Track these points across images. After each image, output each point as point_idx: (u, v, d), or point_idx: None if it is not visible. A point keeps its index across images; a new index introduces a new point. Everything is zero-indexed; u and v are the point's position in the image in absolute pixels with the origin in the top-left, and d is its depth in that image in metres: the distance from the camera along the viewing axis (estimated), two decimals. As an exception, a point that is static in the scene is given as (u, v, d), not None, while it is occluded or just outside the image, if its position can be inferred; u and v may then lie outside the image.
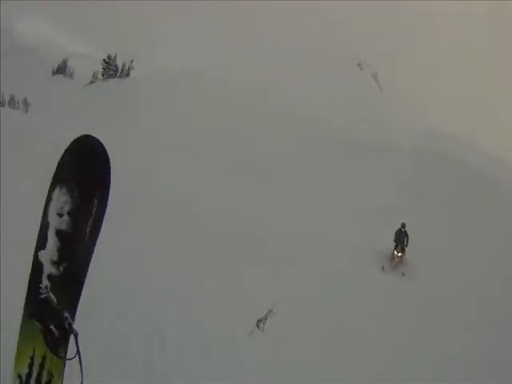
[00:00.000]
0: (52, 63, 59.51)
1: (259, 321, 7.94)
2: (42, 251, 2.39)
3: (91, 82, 42.61)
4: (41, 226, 2.42)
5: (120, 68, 43.57)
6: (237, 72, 36.10)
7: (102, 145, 2.42)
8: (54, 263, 2.38)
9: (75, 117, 25.63)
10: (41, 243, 2.41)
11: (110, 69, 43.62)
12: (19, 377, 2.52)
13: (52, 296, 2.37)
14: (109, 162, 2.42)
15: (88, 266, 2.48)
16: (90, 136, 2.45)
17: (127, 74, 42.20)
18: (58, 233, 2.36)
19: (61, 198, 2.35)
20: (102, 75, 43.03)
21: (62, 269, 2.39)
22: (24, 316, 2.54)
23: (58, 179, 2.38)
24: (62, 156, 2.44)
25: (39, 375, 2.46)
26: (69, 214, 2.33)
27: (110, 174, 2.39)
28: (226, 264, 11.02)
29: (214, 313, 8.21)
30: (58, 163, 2.43)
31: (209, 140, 22.07)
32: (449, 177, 22.21)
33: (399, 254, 15.80)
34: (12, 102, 32.94)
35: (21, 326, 2.55)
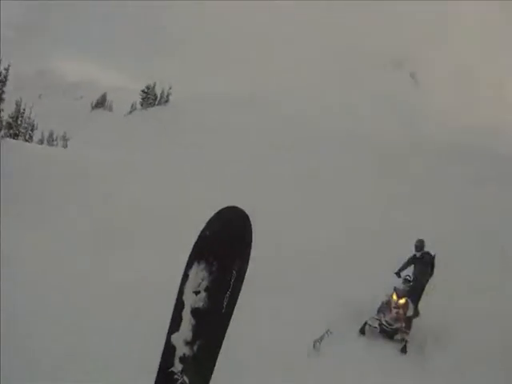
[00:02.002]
0: (91, 99, 60.44)
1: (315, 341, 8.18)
2: (176, 333, 2.22)
3: (130, 112, 42.04)
4: (175, 308, 2.24)
5: (159, 95, 42.94)
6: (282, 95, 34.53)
7: (245, 216, 2.25)
8: (187, 343, 2.23)
9: (115, 146, 24.49)
10: (174, 325, 2.23)
11: (149, 98, 43.06)
12: None
13: (185, 379, 2.22)
14: (251, 233, 2.26)
15: (223, 340, 2.30)
16: (232, 207, 2.28)
17: (166, 101, 41.43)
18: (194, 311, 2.22)
19: (198, 275, 2.21)
20: (141, 105, 42.45)
21: (195, 348, 2.25)
22: None
23: (196, 256, 2.22)
24: (203, 230, 2.22)
25: None
26: (206, 289, 2.21)
27: (251, 244, 2.25)
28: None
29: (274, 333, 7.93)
30: (198, 238, 2.22)
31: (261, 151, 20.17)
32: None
33: (401, 302, 9.19)
34: (50, 140, 32.40)
35: None
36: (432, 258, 9.92)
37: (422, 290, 9.79)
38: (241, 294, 2.26)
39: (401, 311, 9.35)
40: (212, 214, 2.23)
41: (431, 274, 9.85)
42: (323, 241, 12.24)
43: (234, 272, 2.26)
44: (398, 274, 9.92)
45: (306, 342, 7.76)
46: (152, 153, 20.87)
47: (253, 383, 6.39)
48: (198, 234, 2.23)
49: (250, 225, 2.30)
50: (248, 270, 2.24)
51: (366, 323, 9.25)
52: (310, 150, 20.69)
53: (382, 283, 9.56)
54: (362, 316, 9.07)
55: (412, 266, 10.18)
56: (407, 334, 9.16)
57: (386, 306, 9.41)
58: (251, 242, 2.29)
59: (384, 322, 9.19)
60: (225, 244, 2.24)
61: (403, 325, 9.27)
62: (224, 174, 17.27)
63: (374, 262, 11.19)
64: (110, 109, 52.55)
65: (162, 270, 7.63)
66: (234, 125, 25.42)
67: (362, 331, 9.21)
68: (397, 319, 9.22)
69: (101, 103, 58.20)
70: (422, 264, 9.86)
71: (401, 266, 10.06)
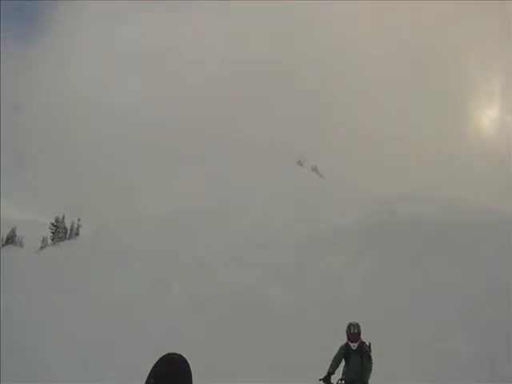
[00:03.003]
0: (1, 235, 59.31)
1: None
2: None
3: (41, 248, 42.41)
4: None
5: (69, 229, 43.92)
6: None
7: (185, 361, 2.59)
8: None
9: (27, 286, 25.15)
10: None
11: (59, 231, 43.85)
12: None
13: None
14: (190, 372, 2.58)
15: None
16: (171, 354, 2.62)
17: (76, 234, 42.47)
18: None
19: None
20: (52, 239, 43.06)
21: None
22: None
23: None
24: (148, 377, 2.55)
25: None
26: None
27: (191, 378, 2.59)
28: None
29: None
30: None
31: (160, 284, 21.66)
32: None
33: None
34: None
35: None
36: (369, 348, 8.22)
37: None
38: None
39: None
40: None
41: (371, 369, 8.04)
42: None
43: None
44: (327, 378, 7.87)
45: None
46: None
47: None
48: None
49: (188, 366, 2.61)
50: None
51: None
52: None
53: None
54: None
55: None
56: None
57: None
58: (191, 377, 2.62)
59: None
60: None
61: None
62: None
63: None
64: (21, 244, 52.21)
65: None
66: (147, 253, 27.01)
67: None
68: None
69: (11, 239, 57.46)
70: (360, 356, 8.00)
71: (331, 363, 8.11)
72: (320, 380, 7.72)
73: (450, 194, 30.32)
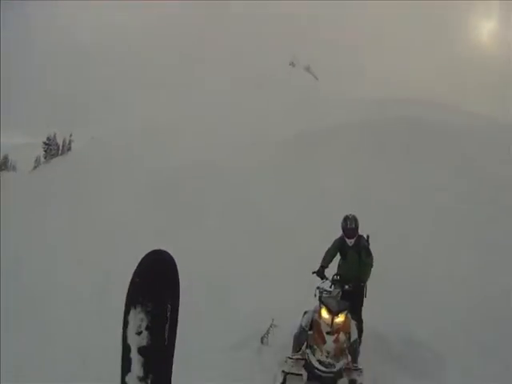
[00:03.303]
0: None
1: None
2: (129, 374, 2.31)
3: (35, 168, 40.93)
4: (122, 352, 2.32)
5: (61, 145, 42.17)
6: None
7: (169, 256, 2.40)
8: (141, 379, 2.31)
9: (24, 208, 24.00)
10: (125, 368, 2.32)
11: (52, 149, 42.16)
12: None
13: None
14: (177, 271, 2.38)
15: (171, 366, 2.38)
16: (155, 251, 2.39)
17: (68, 149, 40.75)
18: (140, 350, 2.32)
19: (137, 318, 2.31)
20: (45, 157, 41.43)
21: (149, 381, 2.32)
22: None
23: (132, 302, 2.32)
24: (133, 277, 2.32)
25: None
26: (146, 328, 2.31)
27: (178, 280, 2.40)
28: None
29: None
30: (130, 286, 2.32)
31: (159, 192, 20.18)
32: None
33: (339, 320, 5.80)
34: None
35: None
36: (367, 242, 6.98)
37: (363, 292, 6.84)
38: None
39: (341, 337, 5.75)
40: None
41: (371, 265, 6.77)
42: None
43: (169, 305, 2.41)
44: (321, 271, 6.59)
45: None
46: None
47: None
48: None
49: (175, 264, 2.45)
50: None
51: (284, 374, 5.88)
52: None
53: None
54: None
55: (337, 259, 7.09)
56: (360, 372, 5.76)
57: (311, 335, 5.92)
58: (178, 278, 2.45)
59: (316, 364, 5.60)
60: (155, 286, 2.40)
61: (349, 359, 5.79)
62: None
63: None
64: (14, 168, 50.64)
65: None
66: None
67: None
68: (337, 353, 5.63)
69: (3, 165, 55.91)
70: (357, 253, 6.83)
71: (324, 256, 6.80)
72: (313, 273, 6.56)
73: (450, 100, 28.85)
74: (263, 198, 16.15)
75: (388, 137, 19.45)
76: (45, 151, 42.75)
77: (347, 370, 5.66)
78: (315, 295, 6.08)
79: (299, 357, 5.80)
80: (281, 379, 5.79)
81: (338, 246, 6.88)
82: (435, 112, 24.47)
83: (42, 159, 41.95)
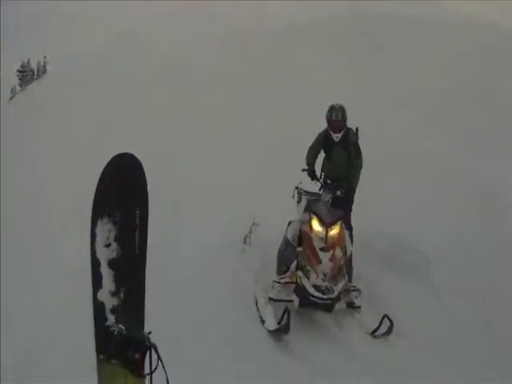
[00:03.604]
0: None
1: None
2: (100, 290, 2.24)
3: (11, 98, 39.39)
4: (92, 267, 2.24)
5: (36, 70, 40.29)
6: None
7: (135, 159, 2.25)
8: (113, 294, 2.24)
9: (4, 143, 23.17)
10: (96, 284, 2.24)
11: (27, 75, 40.33)
12: None
13: (121, 327, 2.16)
14: (144, 175, 2.24)
15: (144, 277, 2.34)
16: (119, 155, 2.24)
17: (44, 72, 38.81)
18: (110, 263, 2.24)
19: (105, 229, 2.22)
20: (20, 85, 39.68)
21: (122, 295, 2.27)
22: (100, 362, 2.23)
23: (98, 212, 2.22)
24: (98, 184, 2.19)
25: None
26: (115, 239, 2.22)
27: (146, 184, 2.27)
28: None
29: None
30: (95, 194, 2.19)
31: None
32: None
33: (334, 233, 5.13)
34: None
35: (98, 370, 2.24)
36: (356, 136, 6.02)
37: (353, 196, 6.02)
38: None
39: (337, 253, 4.96)
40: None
41: (361, 166, 5.96)
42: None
43: (138, 212, 2.31)
44: (312, 170, 5.95)
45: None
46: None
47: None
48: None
49: (141, 167, 2.29)
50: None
51: (272, 301, 4.96)
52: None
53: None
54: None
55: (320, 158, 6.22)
56: (359, 293, 5.06)
57: (300, 252, 5.02)
58: (146, 182, 2.31)
59: (311, 290, 4.78)
60: (122, 192, 2.26)
61: (346, 278, 4.97)
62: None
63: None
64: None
65: None
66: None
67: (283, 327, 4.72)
68: (334, 274, 4.82)
69: (-24, 100, 53.92)
70: (345, 150, 5.94)
71: (307, 153, 6.09)
72: (303, 171, 5.90)
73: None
74: (249, 95, 15.14)
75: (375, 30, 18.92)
76: (19, 79, 40.73)
77: (345, 291, 4.92)
78: (293, 196, 5.67)
79: (288, 280, 4.95)
80: (279, 317, 4.66)
81: (322, 141, 6.06)
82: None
83: (18, 88, 40.15)
